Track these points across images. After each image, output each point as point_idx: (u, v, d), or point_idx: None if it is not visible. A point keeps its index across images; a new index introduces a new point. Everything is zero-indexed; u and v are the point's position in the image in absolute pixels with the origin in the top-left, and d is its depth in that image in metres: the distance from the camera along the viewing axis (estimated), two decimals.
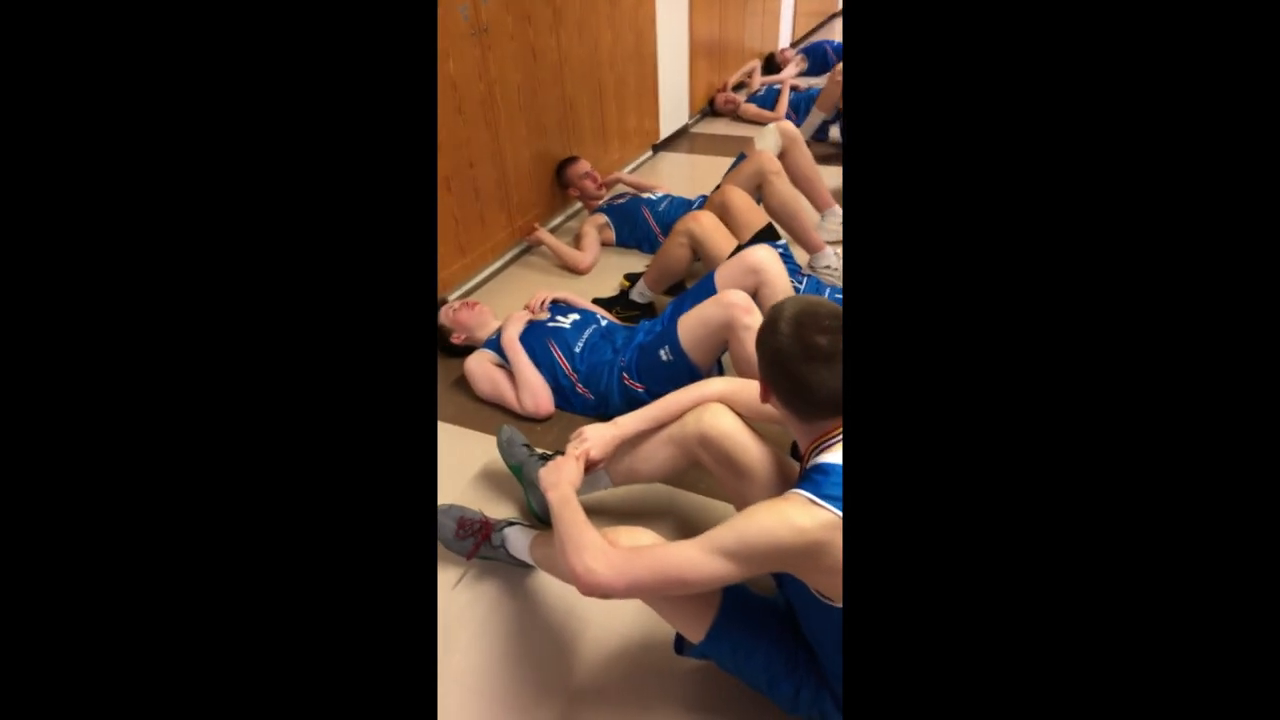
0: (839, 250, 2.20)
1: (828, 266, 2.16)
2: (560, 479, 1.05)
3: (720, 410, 1.19)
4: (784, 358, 0.87)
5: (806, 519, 0.80)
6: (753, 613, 0.98)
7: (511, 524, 1.30)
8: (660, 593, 0.91)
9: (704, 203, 2.26)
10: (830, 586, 0.85)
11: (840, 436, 0.89)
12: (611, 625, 1.21)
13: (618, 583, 0.87)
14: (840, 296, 1.85)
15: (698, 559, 0.85)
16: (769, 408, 0.99)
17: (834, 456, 0.86)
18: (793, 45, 5.07)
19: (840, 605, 0.85)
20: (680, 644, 1.04)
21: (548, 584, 1.28)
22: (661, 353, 1.52)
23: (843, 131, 2.93)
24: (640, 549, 0.90)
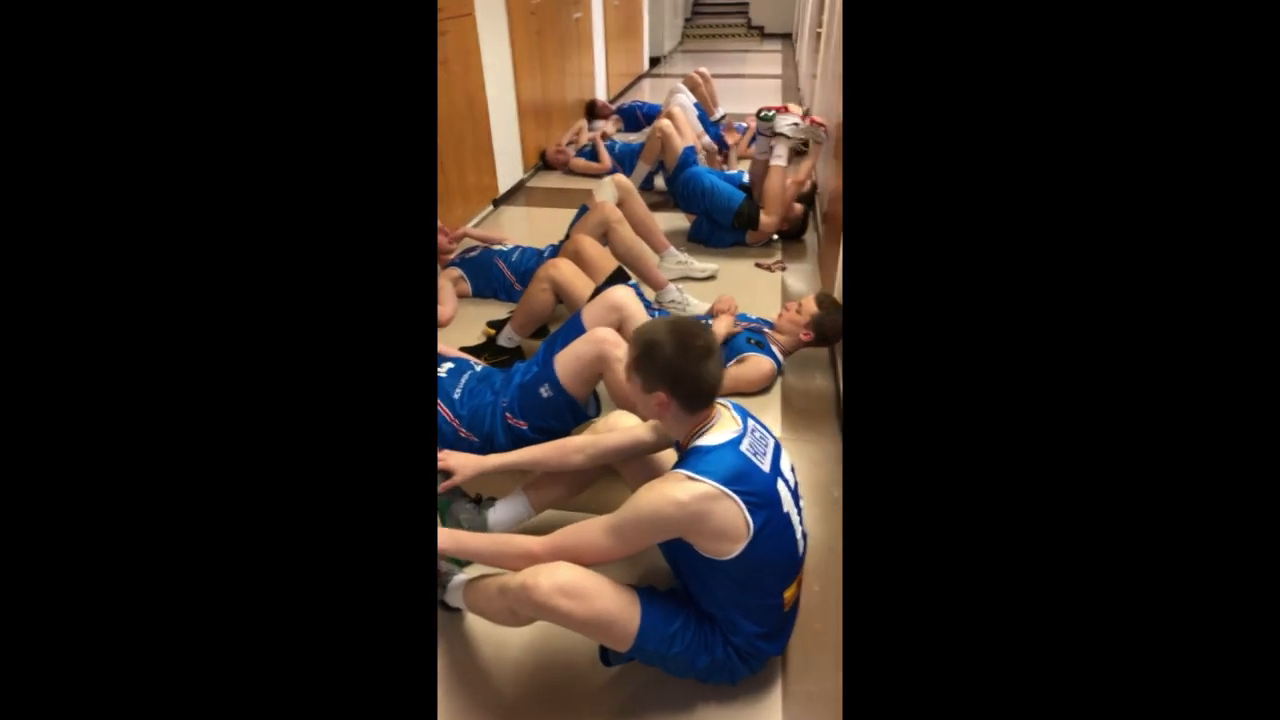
0: (680, 286, 2.48)
1: (673, 301, 2.42)
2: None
3: (615, 415, 1.42)
4: (677, 366, 1.07)
5: (684, 493, 1.01)
6: (666, 613, 1.13)
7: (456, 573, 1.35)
8: (584, 564, 1.09)
9: (555, 252, 2.45)
10: (713, 549, 1.05)
11: (711, 422, 1.10)
12: (537, 653, 1.30)
13: (557, 573, 1.05)
14: None
15: (604, 542, 1.06)
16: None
17: (708, 440, 1.09)
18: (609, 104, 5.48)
19: (718, 559, 1.05)
20: (606, 656, 1.18)
21: (473, 623, 1.33)
22: (542, 390, 1.65)
23: (667, 181, 3.27)
24: (558, 540, 1.08)
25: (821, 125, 2.81)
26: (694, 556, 1.08)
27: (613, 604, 1.07)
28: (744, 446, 1.08)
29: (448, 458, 1.40)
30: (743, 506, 1.02)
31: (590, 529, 1.07)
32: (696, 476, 1.02)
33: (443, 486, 1.39)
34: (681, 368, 1.07)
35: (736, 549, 1.04)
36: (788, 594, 1.15)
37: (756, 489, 1.05)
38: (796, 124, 2.80)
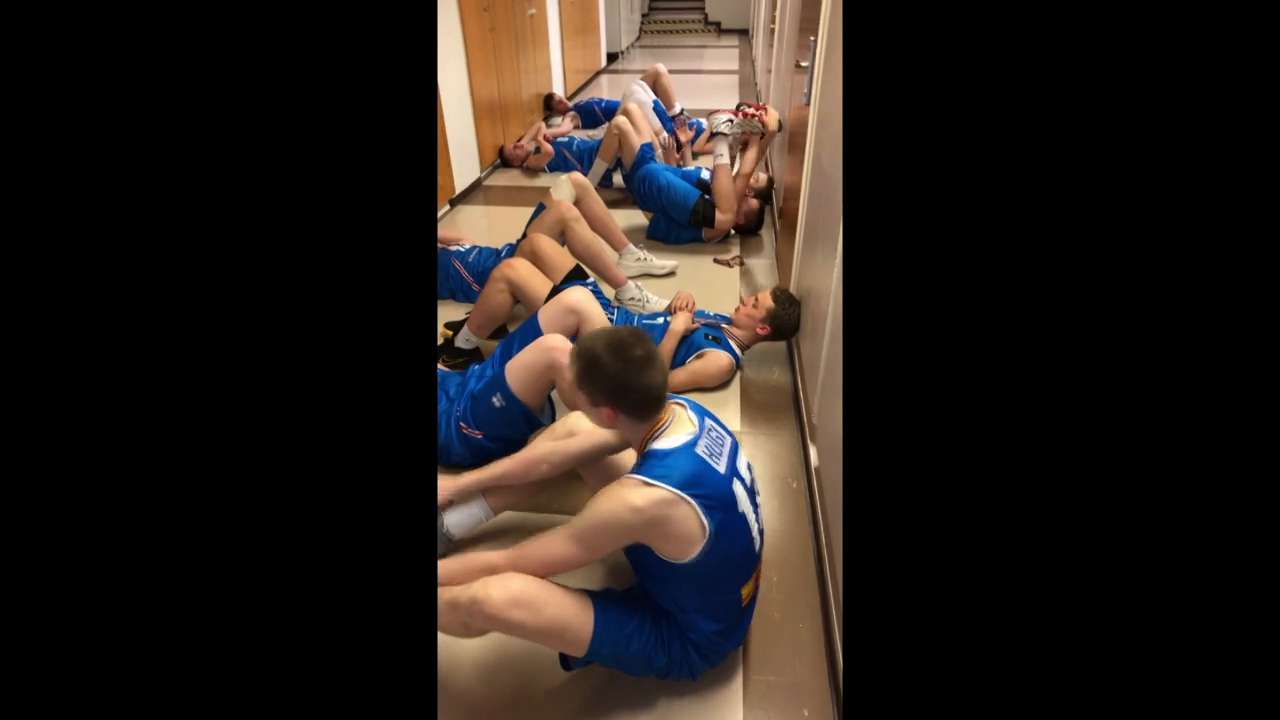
0: (639, 283, 2.49)
1: (632, 298, 2.43)
2: None
3: (573, 417, 1.41)
4: (621, 379, 1.07)
5: (640, 499, 1.01)
6: (620, 614, 1.13)
7: None
8: (546, 575, 1.09)
9: (512, 251, 2.43)
10: (671, 552, 1.06)
11: (666, 424, 1.10)
12: (497, 654, 1.29)
13: (508, 583, 1.05)
14: (646, 322, 2.11)
15: (566, 551, 1.05)
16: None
17: (662, 443, 1.08)
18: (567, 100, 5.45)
19: (681, 562, 1.05)
20: (565, 660, 1.18)
21: None
22: (494, 400, 1.64)
23: (625, 179, 3.26)
24: (520, 552, 1.08)
25: (754, 115, 2.83)
26: (652, 558, 1.09)
27: (564, 611, 1.07)
28: (700, 448, 1.08)
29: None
30: (699, 510, 1.03)
31: (552, 541, 1.07)
32: (652, 481, 1.02)
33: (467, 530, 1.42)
34: (624, 381, 1.07)
35: (694, 551, 1.04)
36: (745, 590, 1.16)
37: (712, 491, 1.05)
38: (730, 120, 2.83)
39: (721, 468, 1.09)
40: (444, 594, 1.12)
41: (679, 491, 1.02)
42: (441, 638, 1.28)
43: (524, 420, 1.64)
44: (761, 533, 1.19)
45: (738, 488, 1.11)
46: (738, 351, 2.07)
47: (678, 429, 1.11)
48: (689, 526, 1.03)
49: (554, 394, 1.74)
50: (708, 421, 1.15)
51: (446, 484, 1.43)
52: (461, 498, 1.46)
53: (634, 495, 1.01)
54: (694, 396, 2.00)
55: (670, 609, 1.15)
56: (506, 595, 1.03)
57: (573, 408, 1.62)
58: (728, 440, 1.16)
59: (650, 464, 1.06)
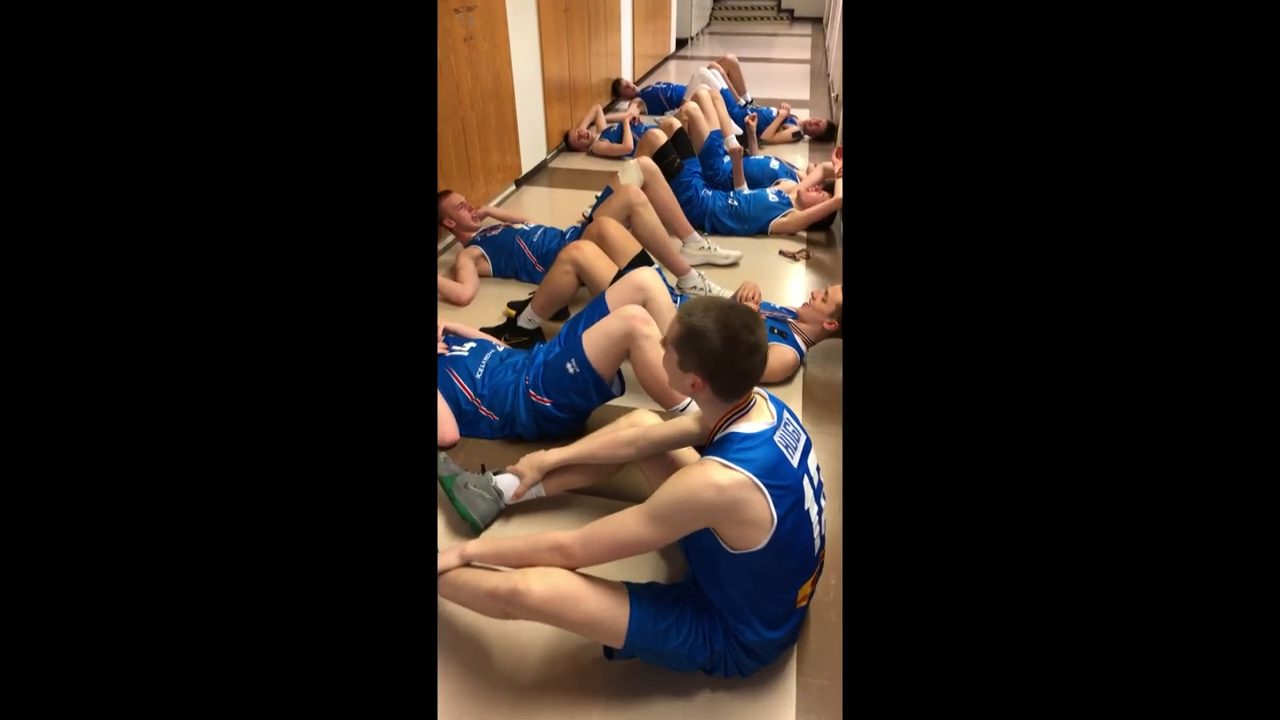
0: (702, 272, 2.45)
1: (694, 287, 2.40)
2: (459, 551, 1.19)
3: (637, 413, 1.41)
4: (722, 356, 1.04)
5: (724, 478, 0.99)
6: (658, 609, 1.13)
7: None
8: (617, 558, 1.10)
9: (578, 233, 2.43)
10: (738, 538, 1.04)
11: (745, 408, 1.08)
12: (535, 642, 1.28)
13: (584, 561, 1.07)
14: None
15: (642, 531, 1.04)
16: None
17: (743, 427, 1.06)
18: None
19: (740, 551, 1.04)
20: (609, 650, 1.17)
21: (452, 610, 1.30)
22: (568, 366, 1.65)
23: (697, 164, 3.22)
24: (591, 531, 1.08)
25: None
26: (713, 548, 1.06)
27: (602, 605, 1.08)
28: (777, 438, 1.06)
29: (521, 468, 1.49)
30: (770, 500, 1.00)
31: (625, 520, 1.06)
32: (732, 465, 1.00)
33: (515, 494, 1.50)
34: (724, 361, 1.04)
35: (761, 540, 1.02)
36: (802, 592, 1.13)
37: (786, 483, 1.03)
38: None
39: (795, 461, 1.06)
40: (485, 581, 1.12)
41: (756, 479, 1.00)
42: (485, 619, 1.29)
43: (594, 389, 1.65)
44: (823, 537, 1.16)
45: (806, 484, 1.08)
46: (803, 347, 2.02)
47: (757, 416, 1.08)
48: (760, 513, 1.01)
49: (624, 367, 1.74)
50: (785, 414, 1.12)
51: (533, 461, 1.46)
52: (492, 455, 1.47)
53: (718, 475, 1.00)
54: (769, 391, 1.97)
55: (722, 607, 1.13)
56: (546, 589, 1.04)
57: (643, 383, 1.64)
58: (802, 436, 1.12)
59: (731, 448, 1.03)
